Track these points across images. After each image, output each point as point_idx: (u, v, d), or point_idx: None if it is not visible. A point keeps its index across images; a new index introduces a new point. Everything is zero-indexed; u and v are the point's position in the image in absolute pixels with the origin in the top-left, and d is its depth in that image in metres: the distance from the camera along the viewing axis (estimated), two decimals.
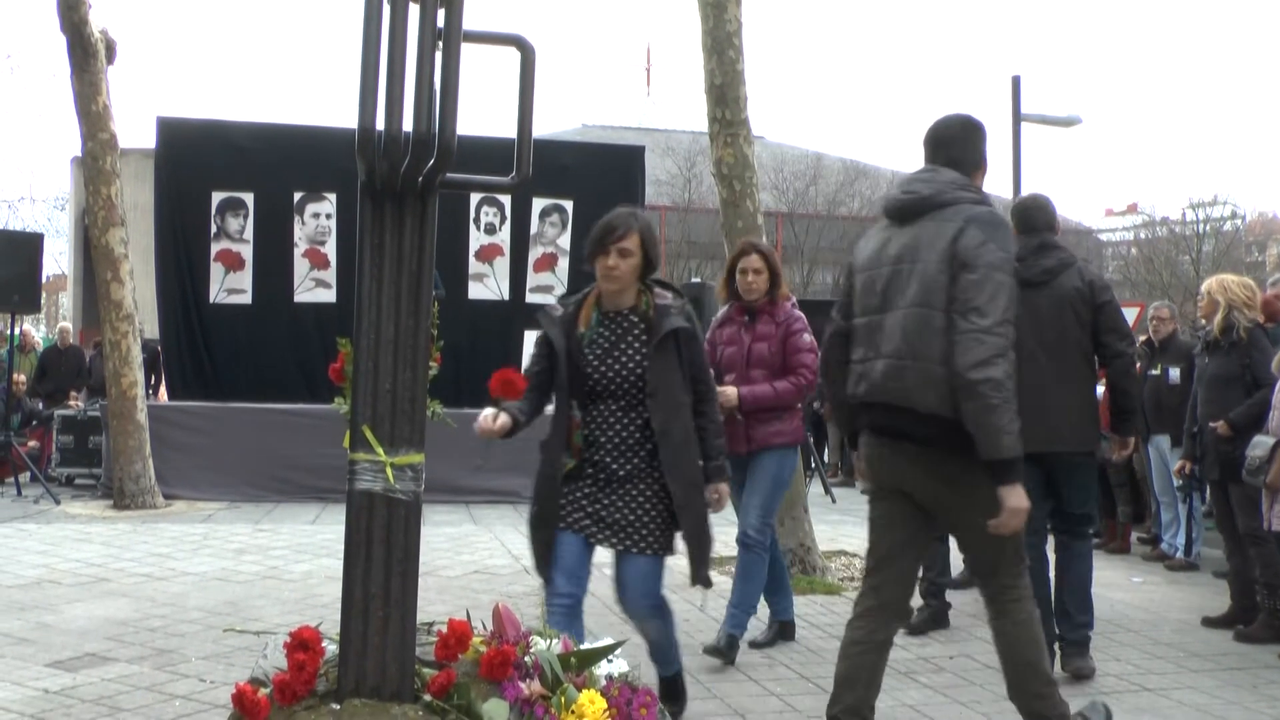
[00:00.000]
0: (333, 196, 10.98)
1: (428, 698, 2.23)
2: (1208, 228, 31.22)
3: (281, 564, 6.78)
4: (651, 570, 3.40)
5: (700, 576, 3.47)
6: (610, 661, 2.39)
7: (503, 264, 11.38)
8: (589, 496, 3.41)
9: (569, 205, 11.42)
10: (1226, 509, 5.62)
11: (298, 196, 10.99)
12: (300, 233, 11.02)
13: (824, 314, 5.15)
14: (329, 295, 11.02)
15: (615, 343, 3.45)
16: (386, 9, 2.14)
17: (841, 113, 75.35)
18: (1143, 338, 7.74)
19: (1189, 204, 32.33)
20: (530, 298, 11.25)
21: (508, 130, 2.54)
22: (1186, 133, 76.49)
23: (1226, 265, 25.34)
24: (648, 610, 3.44)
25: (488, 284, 11.30)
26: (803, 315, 4.82)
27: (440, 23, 2.18)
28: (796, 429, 4.81)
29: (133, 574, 6.38)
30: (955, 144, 3.37)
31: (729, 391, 4.60)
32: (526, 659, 2.30)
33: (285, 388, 10.65)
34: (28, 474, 10.39)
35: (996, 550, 3.19)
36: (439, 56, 2.18)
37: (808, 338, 4.77)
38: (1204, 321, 5.95)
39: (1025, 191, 13.11)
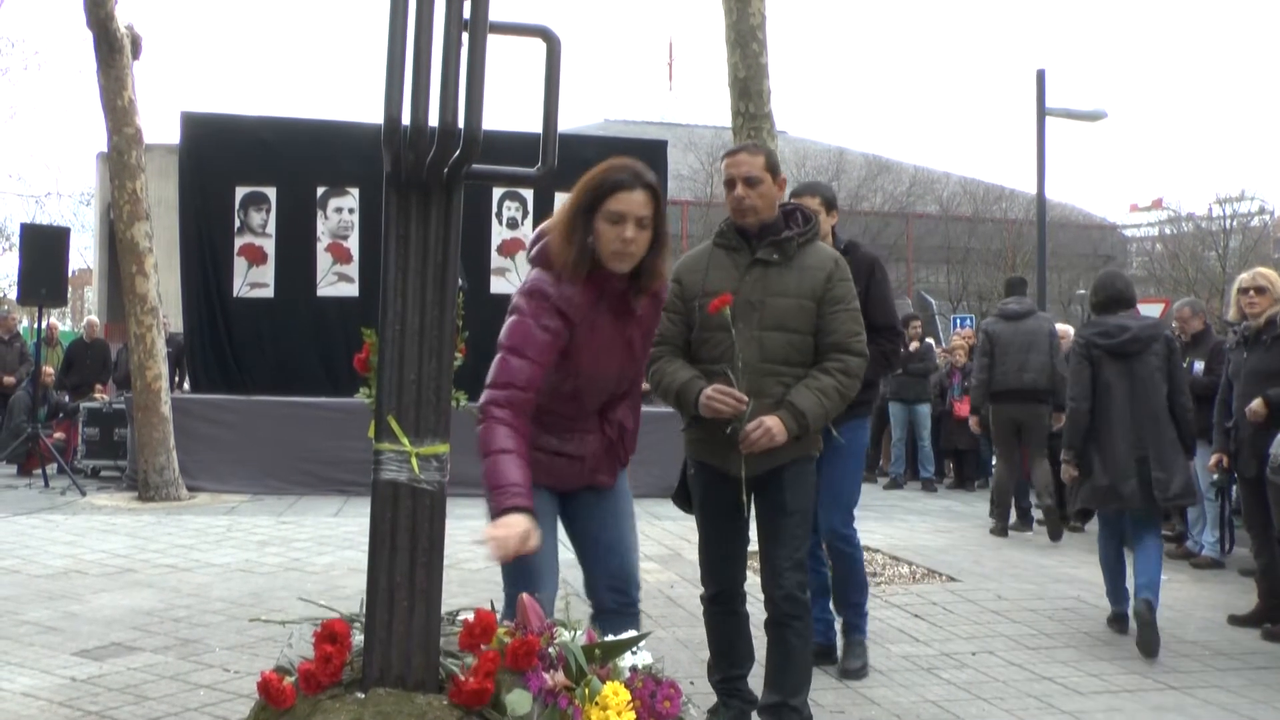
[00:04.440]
0: (355, 191, 11.01)
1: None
2: (1234, 223, 30.87)
3: (304, 556, 6.81)
4: None
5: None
6: (635, 653, 2.38)
7: (525, 259, 11.36)
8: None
9: None
10: (1258, 506, 5.55)
11: (320, 191, 11.03)
12: (323, 227, 11.06)
13: None
14: (351, 289, 11.06)
15: None
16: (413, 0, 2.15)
17: (864, 108, 75.16)
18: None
19: (1215, 199, 32.04)
20: None
21: (529, 125, 2.53)
22: (1213, 128, 75.95)
23: (1254, 261, 24.97)
24: None
25: (510, 278, 11.32)
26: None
27: (466, 13, 2.18)
28: None
29: (157, 565, 6.43)
30: (1024, 285, 8.87)
31: None
32: (550, 650, 2.30)
33: (308, 381, 10.71)
34: (54, 466, 10.51)
35: (1043, 441, 8.03)
36: (465, 48, 2.18)
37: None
38: (1235, 316, 5.86)
39: (1049, 187, 13.56)
